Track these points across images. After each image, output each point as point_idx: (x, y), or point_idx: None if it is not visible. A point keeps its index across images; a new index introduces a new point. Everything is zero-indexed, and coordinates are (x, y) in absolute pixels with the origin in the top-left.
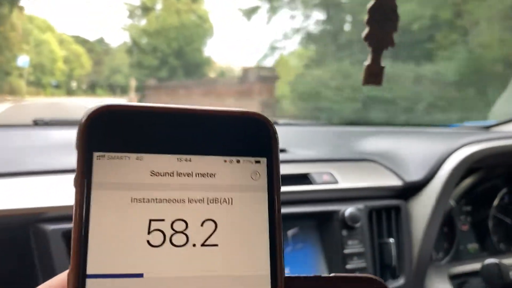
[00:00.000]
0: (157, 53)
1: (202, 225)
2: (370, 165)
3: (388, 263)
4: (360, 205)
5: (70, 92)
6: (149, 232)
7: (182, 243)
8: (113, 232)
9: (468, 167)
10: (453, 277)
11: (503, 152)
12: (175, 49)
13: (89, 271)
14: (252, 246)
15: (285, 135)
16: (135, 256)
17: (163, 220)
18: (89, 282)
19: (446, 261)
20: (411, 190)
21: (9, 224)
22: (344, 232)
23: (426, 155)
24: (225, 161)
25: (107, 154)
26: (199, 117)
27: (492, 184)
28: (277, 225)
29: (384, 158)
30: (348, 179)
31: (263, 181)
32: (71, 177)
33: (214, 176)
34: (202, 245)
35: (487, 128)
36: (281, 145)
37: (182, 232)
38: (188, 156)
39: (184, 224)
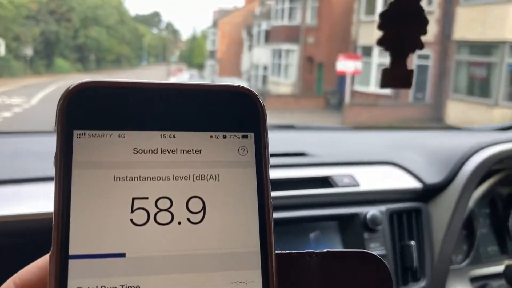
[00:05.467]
0: None
1: (187, 202)
2: (390, 168)
3: (409, 265)
4: (382, 208)
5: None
6: (132, 211)
7: (166, 221)
8: (95, 211)
9: (488, 169)
10: (473, 280)
11: None
12: None
13: (72, 251)
14: (241, 222)
15: (304, 138)
16: (118, 235)
17: (146, 198)
18: (71, 263)
19: (466, 264)
20: (431, 192)
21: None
22: (366, 235)
23: (446, 157)
24: (211, 136)
25: (87, 132)
26: (183, 92)
27: (511, 186)
28: (267, 201)
29: (404, 161)
30: (369, 182)
31: (251, 156)
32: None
33: (200, 152)
34: (188, 222)
35: (504, 130)
36: (300, 148)
37: (166, 210)
38: (172, 133)
39: (169, 201)
